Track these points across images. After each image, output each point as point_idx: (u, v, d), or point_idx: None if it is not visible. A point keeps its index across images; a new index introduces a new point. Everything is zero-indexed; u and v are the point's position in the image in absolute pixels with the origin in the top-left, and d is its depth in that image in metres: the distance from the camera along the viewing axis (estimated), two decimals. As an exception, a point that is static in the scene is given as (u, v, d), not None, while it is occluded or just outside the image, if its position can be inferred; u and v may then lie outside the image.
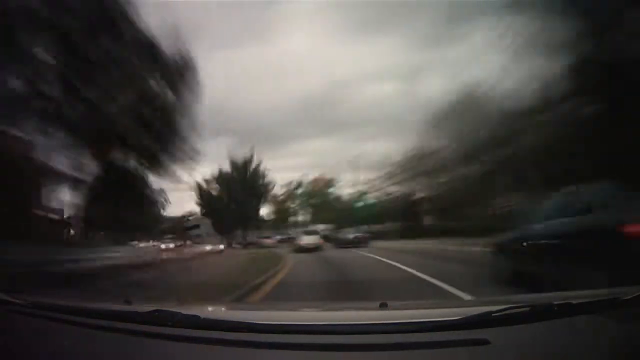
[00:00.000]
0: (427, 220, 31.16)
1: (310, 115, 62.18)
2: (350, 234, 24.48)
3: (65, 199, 13.89)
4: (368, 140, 67.42)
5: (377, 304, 1.38)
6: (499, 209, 23.16)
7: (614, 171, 7.72)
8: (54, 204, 14.56)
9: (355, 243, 21.81)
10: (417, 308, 1.77)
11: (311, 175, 46.14)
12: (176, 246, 25.01)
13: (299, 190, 46.19)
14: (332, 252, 18.40)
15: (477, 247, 10.95)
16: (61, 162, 11.82)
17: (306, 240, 21.26)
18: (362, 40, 59.46)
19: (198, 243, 28.88)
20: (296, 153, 64.28)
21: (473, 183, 21.37)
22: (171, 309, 1.26)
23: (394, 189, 33.97)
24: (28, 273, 6.46)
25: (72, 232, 15.85)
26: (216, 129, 47.61)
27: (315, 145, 62.95)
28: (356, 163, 37.11)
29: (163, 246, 23.13)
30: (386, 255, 12.80)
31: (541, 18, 11.83)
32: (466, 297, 4.71)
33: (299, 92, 62.80)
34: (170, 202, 19.65)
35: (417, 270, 7.92)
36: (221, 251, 24.65)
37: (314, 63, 66.47)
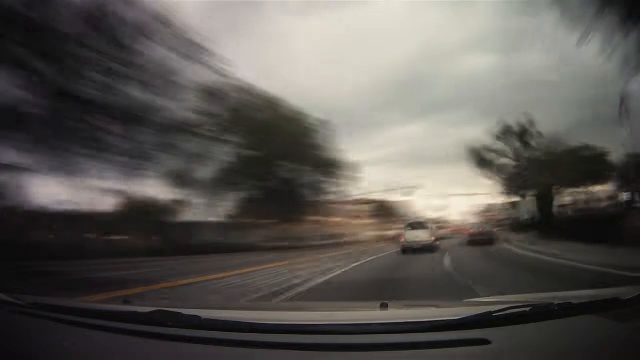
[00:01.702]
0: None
1: (396, 96, 47.38)
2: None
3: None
4: (463, 124, 50.07)
5: (378, 303, 1.38)
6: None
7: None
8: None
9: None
10: (417, 308, 1.77)
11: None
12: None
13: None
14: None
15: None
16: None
17: (411, 236, 15.16)
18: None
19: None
20: (383, 143, 51.32)
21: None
22: (172, 309, 1.26)
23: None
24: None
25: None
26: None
27: (403, 132, 49.02)
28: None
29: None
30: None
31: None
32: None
33: (383, 68, 46.77)
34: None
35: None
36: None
37: (402, 30, 50.44)
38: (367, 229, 35.87)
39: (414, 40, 50.09)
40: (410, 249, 14.15)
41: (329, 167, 26.07)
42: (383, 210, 37.24)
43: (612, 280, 5.76)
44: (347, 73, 48.33)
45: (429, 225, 15.81)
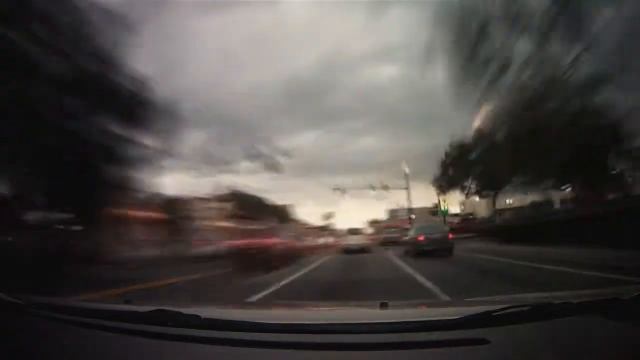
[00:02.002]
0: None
1: (294, 104, 49.51)
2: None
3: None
4: (361, 135, 53.30)
5: (378, 303, 1.38)
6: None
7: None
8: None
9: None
10: (417, 308, 1.77)
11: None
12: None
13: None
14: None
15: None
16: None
17: (351, 240, 19.46)
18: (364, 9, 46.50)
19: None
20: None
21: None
22: (172, 309, 1.26)
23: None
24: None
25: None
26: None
27: (299, 140, 49.68)
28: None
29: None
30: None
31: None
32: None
33: (282, 74, 49.80)
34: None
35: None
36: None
37: (303, 37, 51.91)
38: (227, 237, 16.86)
39: (316, 48, 50.12)
40: (350, 250, 17.65)
41: (135, 108, 12.37)
42: (251, 209, 21.19)
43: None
44: (242, 77, 47.33)
45: (364, 232, 22.65)
